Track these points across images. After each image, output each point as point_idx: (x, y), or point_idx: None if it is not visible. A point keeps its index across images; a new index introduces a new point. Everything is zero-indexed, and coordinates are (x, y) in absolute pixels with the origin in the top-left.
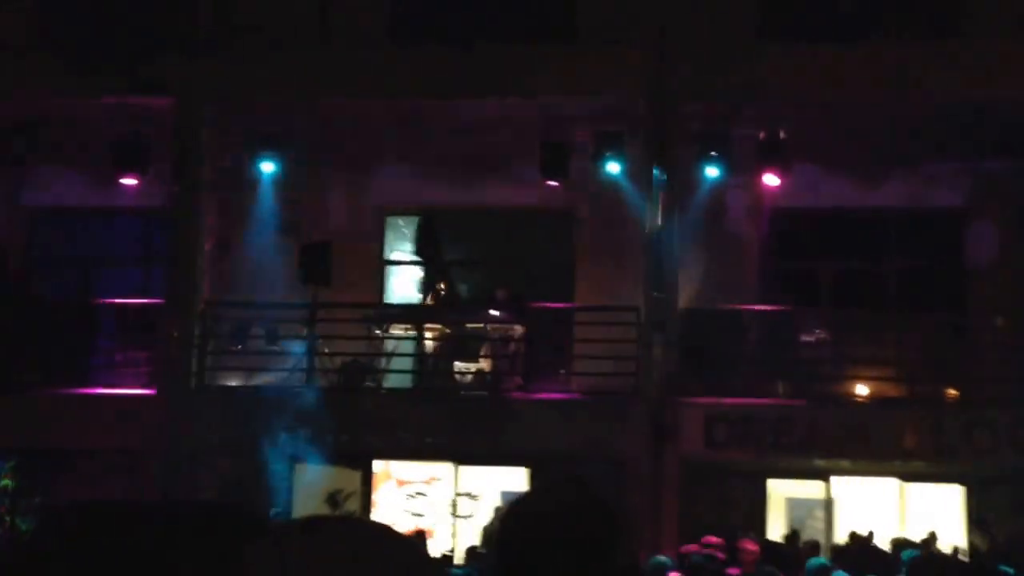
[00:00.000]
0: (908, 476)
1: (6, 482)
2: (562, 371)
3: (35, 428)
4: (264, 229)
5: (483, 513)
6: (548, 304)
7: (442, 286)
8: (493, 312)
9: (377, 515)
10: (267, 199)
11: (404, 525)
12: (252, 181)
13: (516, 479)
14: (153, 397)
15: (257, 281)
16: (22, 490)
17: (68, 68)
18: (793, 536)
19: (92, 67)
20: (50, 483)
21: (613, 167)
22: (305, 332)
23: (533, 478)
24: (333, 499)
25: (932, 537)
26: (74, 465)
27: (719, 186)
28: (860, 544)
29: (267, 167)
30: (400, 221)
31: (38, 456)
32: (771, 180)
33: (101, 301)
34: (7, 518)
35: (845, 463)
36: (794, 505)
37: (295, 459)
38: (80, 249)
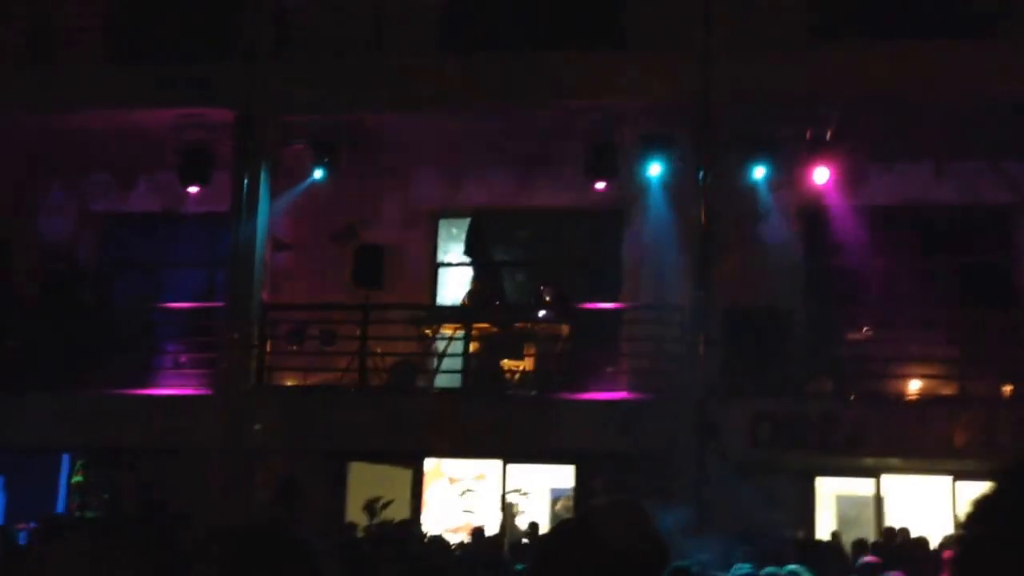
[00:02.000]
0: (960, 474)
1: (78, 478)
2: (608, 370)
3: (101, 427)
4: (320, 233)
5: (533, 509)
6: (593, 304)
7: (473, 288)
8: (540, 312)
9: (429, 512)
10: (323, 204)
11: (456, 521)
12: (309, 186)
13: (564, 476)
14: (211, 397)
15: (313, 283)
16: (91, 486)
17: (135, 80)
18: (835, 536)
19: (158, 79)
20: (118, 480)
21: (659, 168)
22: (358, 333)
23: (579, 476)
24: (370, 507)
25: None
26: (137, 463)
27: (766, 185)
28: (891, 539)
29: (321, 173)
30: (451, 223)
31: (105, 453)
32: (818, 178)
33: (165, 304)
34: (78, 513)
35: (895, 461)
36: (844, 503)
37: (350, 458)
38: (148, 254)
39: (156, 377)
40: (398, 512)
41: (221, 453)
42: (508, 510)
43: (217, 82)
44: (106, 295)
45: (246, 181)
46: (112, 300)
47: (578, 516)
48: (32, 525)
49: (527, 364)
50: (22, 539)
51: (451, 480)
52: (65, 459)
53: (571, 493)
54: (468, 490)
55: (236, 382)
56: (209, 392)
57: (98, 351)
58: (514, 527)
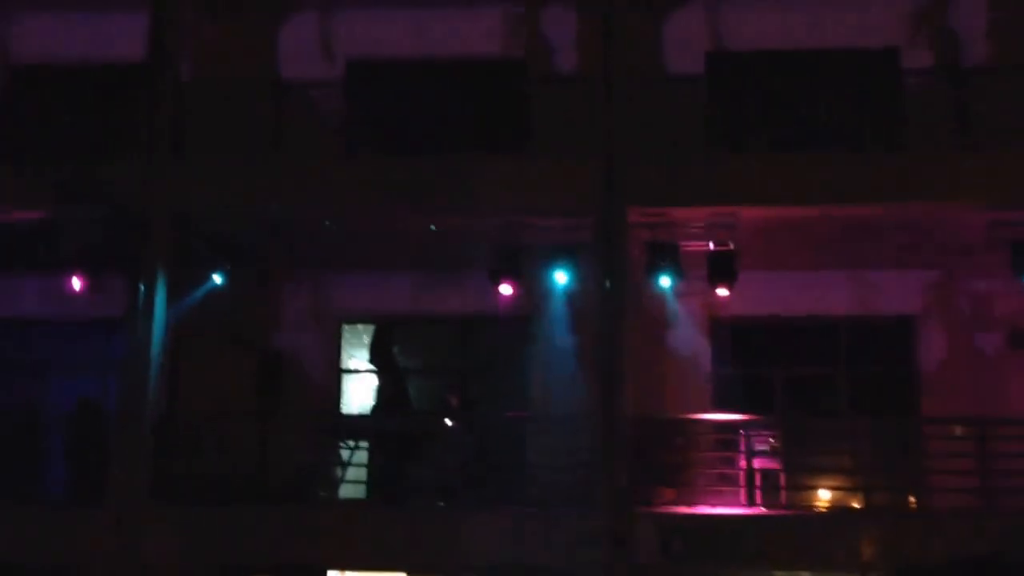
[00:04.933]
0: None
1: None
2: (514, 479)
3: None
4: (219, 338)
5: None
6: (498, 412)
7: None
8: (445, 419)
9: None
10: (221, 308)
11: None
12: (207, 291)
13: None
14: (101, 511)
15: (210, 390)
16: None
17: (28, 179)
18: None
19: (51, 178)
20: None
21: (564, 276)
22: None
23: None
24: None
25: None
26: None
27: (670, 294)
28: None
29: (220, 277)
30: (355, 329)
31: None
32: (721, 290)
33: (55, 410)
34: None
35: (804, 575)
36: None
37: (251, 572)
38: (35, 356)
39: (43, 489)
40: None
41: (112, 571)
42: None
43: (112, 182)
44: None
45: (141, 284)
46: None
47: None
48: None
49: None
50: None
51: None
52: None
53: None
54: None
55: (128, 494)
56: (98, 507)
57: None
58: None
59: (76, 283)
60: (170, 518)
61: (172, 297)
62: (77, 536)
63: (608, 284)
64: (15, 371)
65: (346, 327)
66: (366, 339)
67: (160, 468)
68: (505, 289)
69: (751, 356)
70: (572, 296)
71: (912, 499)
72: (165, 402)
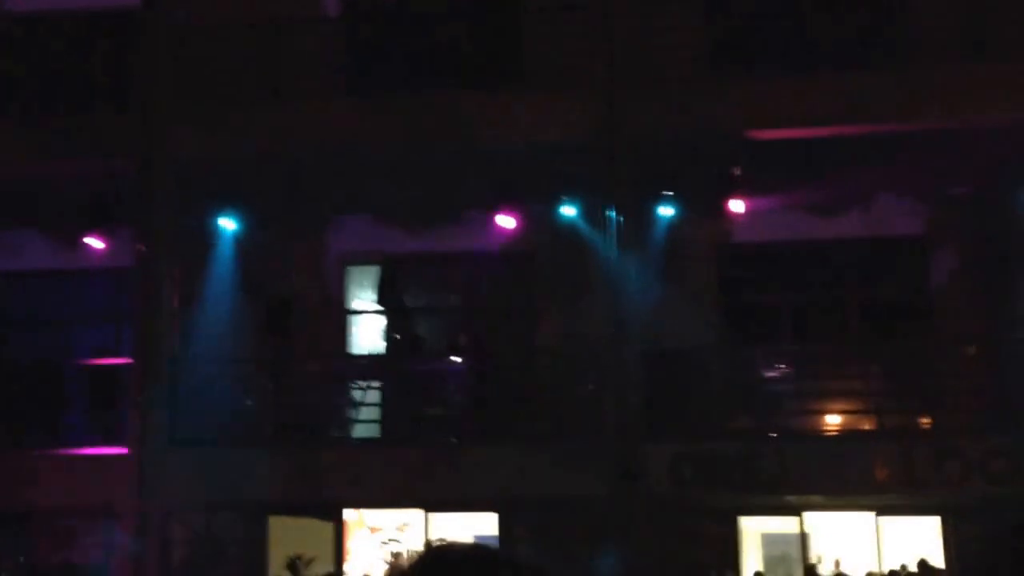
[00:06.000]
0: (883, 509)
1: None
2: (527, 414)
3: (11, 490)
4: (227, 285)
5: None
6: (509, 347)
7: (398, 336)
8: (455, 358)
9: (351, 564)
10: (229, 255)
11: (379, 572)
12: (214, 238)
13: (486, 524)
14: (125, 455)
15: (222, 336)
16: (5, 548)
17: (30, 132)
18: None
19: (54, 131)
20: (32, 542)
21: (569, 209)
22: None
23: (503, 523)
24: (293, 564)
25: (903, 570)
26: (51, 524)
27: (675, 224)
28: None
29: (228, 223)
30: (361, 271)
31: (16, 517)
32: (729, 215)
33: (73, 361)
34: None
35: (817, 498)
36: (769, 541)
37: (269, 512)
38: (51, 311)
39: (68, 436)
40: (321, 566)
41: (136, 512)
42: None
43: (114, 133)
44: (9, 354)
45: (150, 233)
46: (16, 359)
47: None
48: None
49: (446, 410)
50: None
51: (372, 530)
52: None
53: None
54: (391, 540)
55: (149, 439)
56: (123, 451)
57: (7, 411)
58: None
59: (85, 235)
60: (188, 460)
61: (180, 246)
62: (102, 480)
63: (612, 215)
64: (33, 323)
65: (352, 268)
66: (372, 280)
67: (177, 412)
68: (507, 224)
69: (760, 282)
70: (577, 229)
71: (925, 420)
72: (178, 349)
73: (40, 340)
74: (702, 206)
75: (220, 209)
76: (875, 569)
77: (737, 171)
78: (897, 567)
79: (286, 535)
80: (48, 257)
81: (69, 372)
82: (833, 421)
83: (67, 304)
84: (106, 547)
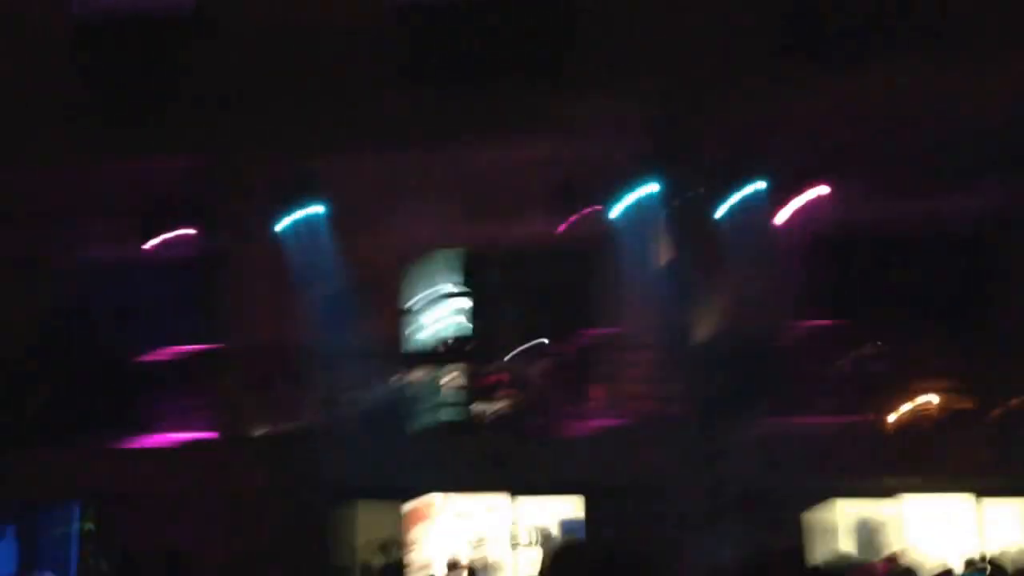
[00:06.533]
0: (983, 492)
1: (88, 526)
2: (610, 401)
3: (101, 477)
4: (295, 277)
5: (541, 542)
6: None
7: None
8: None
9: (435, 548)
10: (298, 245)
11: (464, 556)
12: (284, 229)
13: (571, 508)
14: (212, 441)
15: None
16: (102, 533)
17: (106, 127)
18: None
19: (130, 126)
20: (125, 528)
21: (634, 199)
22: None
23: (588, 507)
24: (385, 547)
25: (1003, 555)
26: (141, 508)
27: (756, 208)
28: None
29: (298, 214)
30: (423, 263)
31: (112, 501)
32: (803, 202)
33: (160, 350)
34: (89, 560)
35: (915, 480)
36: (863, 526)
37: (354, 497)
38: (133, 301)
39: (159, 425)
40: (407, 551)
41: (224, 498)
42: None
43: (178, 129)
44: (98, 344)
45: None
46: (105, 349)
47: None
48: (45, 574)
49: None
50: None
51: (457, 515)
52: (75, 508)
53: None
54: (477, 525)
55: (234, 426)
56: (212, 436)
57: (103, 401)
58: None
59: (157, 229)
60: (271, 448)
61: (245, 239)
62: (179, 470)
63: (680, 202)
64: (117, 313)
65: (411, 262)
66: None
67: (247, 401)
68: (570, 217)
69: (849, 263)
70: (645, 219)
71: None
72: (245, 339)
73: (123, 329)
74: (786, 189)
75: (289, 200)
76: (975, 555)
77: (818, 153)
78: (976, 556)
79: (374, 520)
80: (123, 249)
81: (149, 362)
82: (930, 402)
83: (149, 294)
84: (198, 530)
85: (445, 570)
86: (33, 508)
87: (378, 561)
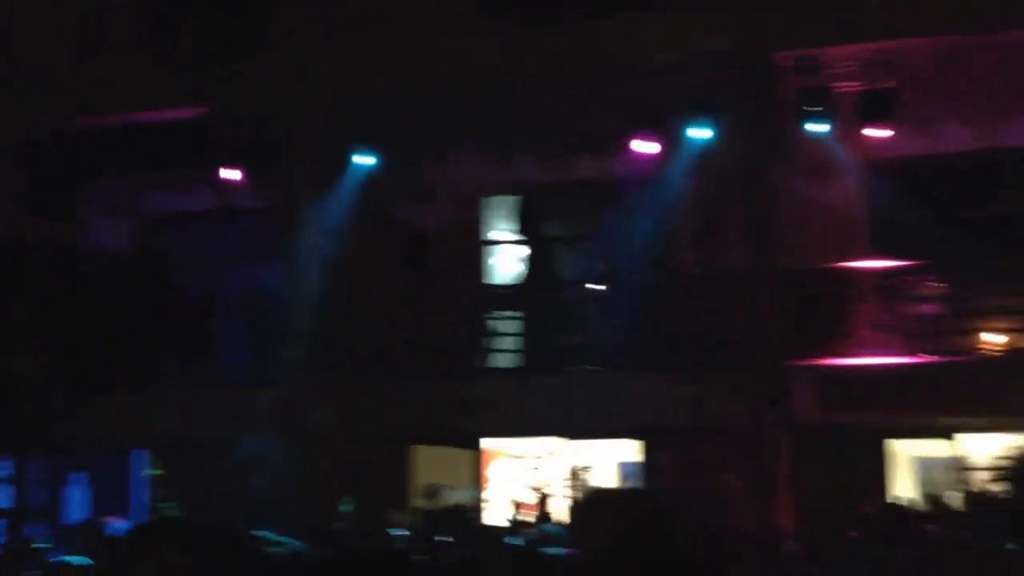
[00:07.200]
0: None
1: (158, 471)
2: (666, 342)
3: (179, 422)
4: (364, 219)
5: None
6: (647, 274)
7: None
8: (594, 286)
9: (494, 491)
10: (366, 189)
11: (524, 499)
12: (352, 173)
13: (630, 451)
14: (278, 388)
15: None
16: (171, 479)
17: (173, 76)
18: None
19: (196, 74)
20: (196, 471)
21: (708, 131)
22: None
23: (647, 450)
24: (429, 492)
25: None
26: (212, 454)
27: (824, 140)
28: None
29: (366, 159)
30: (498, 201)
31: (184, 448)
32: (877, 130)
33: (225, 298)
34: (161, 504)
35: (974, 420)
36: (921, 465)
37: (412, 441)
38: (205, 249)
39: (224, 371)
40: (463, 494)
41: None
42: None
43: (256, 74)
44: (163, 293)
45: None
46: (171, 297)
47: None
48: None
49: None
50: (108, 532)
51: (515, 458)
52: (144, 454)
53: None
54: (535, 468)
55: (297, 372)
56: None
57: (166, 346)
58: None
59: (237, 176)
60: (335, 391)
61: (323, 184)
62: (254, 411)
63: (757, 133)
64: (190, 262)
65: (488, 199)
66: (509, 210)
67: (323, 346)
68: (647, 149)
69: (912, 198)
70: (720, 150)
71: None
72: (323, 284)
73: (192, 278)
74: (850, 121)
75: (358, 145)
76: None
77: (888, 81)
78: None
79: (429, 464)
80: (195, 199)
81: (221, 309)
82: (990, 340)
83: (218, 243)
84: (260, 472)
85: (513, 510)
86: (107, 454)
87: (427, 505)
